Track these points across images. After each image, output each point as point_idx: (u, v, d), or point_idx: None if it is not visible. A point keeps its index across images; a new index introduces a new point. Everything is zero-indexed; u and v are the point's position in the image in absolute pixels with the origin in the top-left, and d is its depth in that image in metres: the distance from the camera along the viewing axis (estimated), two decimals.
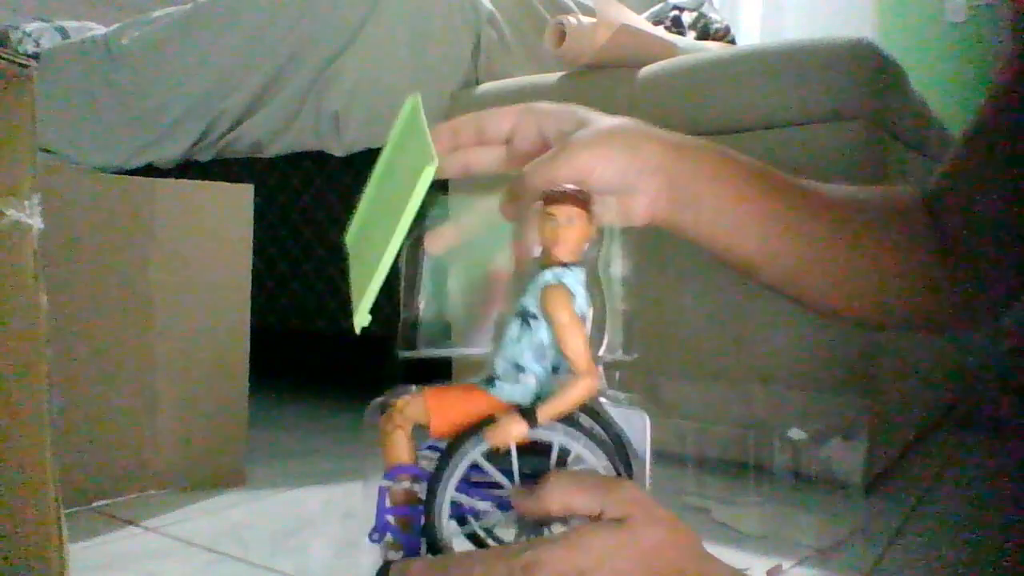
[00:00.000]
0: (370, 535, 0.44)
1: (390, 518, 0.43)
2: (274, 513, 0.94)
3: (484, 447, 0.41)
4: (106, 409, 0.96)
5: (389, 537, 0.44)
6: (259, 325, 1.10)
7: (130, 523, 0.89)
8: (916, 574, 0.79)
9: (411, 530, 0.44)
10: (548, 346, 0.41)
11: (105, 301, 0.95)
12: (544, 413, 0.39)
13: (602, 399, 0.43)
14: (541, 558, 0.36)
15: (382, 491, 0.44)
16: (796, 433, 1.00)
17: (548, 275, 0.41)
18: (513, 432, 0.39)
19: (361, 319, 0.41)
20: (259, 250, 1.08)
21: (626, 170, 0.47)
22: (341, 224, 1.56)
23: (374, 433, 0.45)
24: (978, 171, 0.53)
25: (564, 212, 0.41)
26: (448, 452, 0.42)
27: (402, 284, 0.48)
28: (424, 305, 0.48)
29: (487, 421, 0.40)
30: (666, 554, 0.37)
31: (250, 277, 1.06)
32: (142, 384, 0.99)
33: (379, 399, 0.45)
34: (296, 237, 1.55)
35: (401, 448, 0.44)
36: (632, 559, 0.36)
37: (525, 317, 0.42)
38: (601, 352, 0.43)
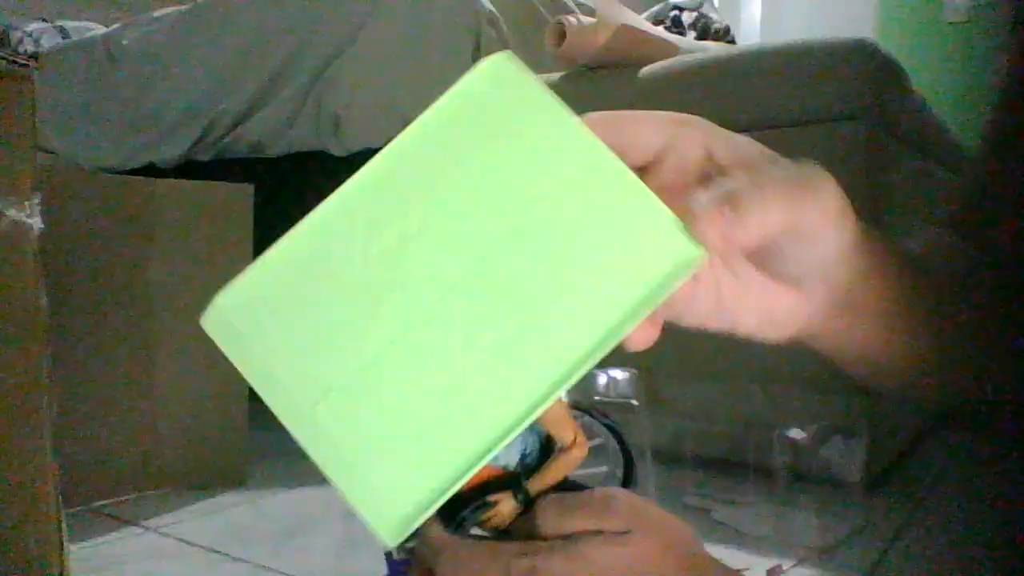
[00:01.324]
0: None
1: (403, 571, 0.44)
2: (274, 513, 0.94)
3: (478, 518, 0.41)
4: (106, 409, 0.96)
5: None
6: None
7: (130, 523, 0.89)
8: (916, 574, 0.79)
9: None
10: None
11: (105, 301, 0.95)
12: (534, 488, 0.39)
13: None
14: (539, 567, 0.35)
15: (387, 555, 0.44)
16: (796, 433, 1.00)
17: None
18: (507, 514, 0.40)
19: (396, 530, 0.27)
20: (259, 250, 1.08)
21: (825, 252, 0.33)
22: None
23: None
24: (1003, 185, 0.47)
25: None
26: (444, 523, 0.43)
27: None
28: None
29: (477, 493, 0.40)
30: (666, 562, 0.37)
31: None
32: (142, 384, 0.99)
33: None
34: None
35: None
36: (631, 571, 0.36)
37: None
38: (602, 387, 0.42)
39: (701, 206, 0.29)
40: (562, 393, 0.28)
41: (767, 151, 0.34)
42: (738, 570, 0.39)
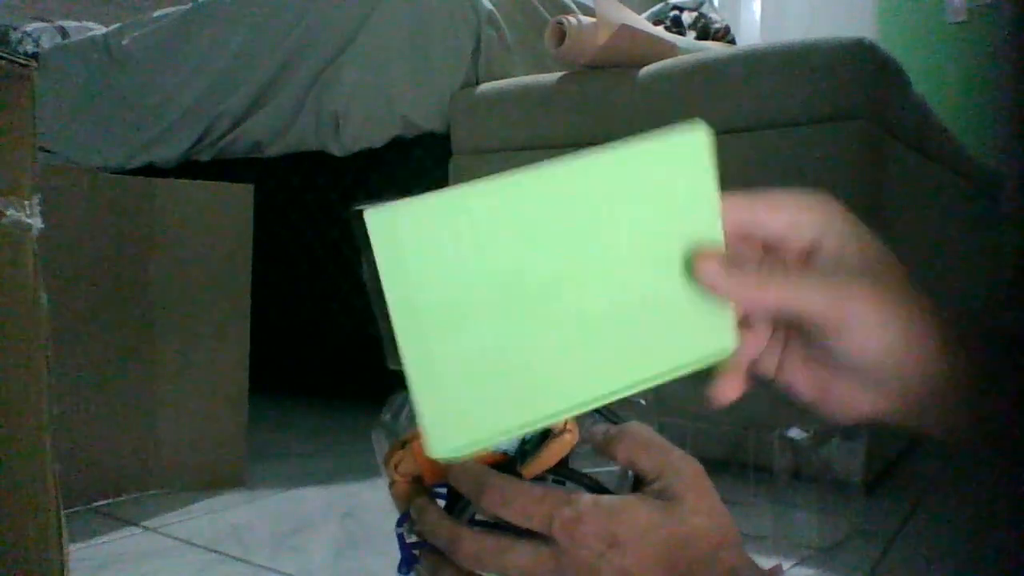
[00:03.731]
0: (398, 568, 0.46)
1: (415, 552, 0.45)
2: (274, 513, 0.94)
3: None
4: (106, 410, 0.96)
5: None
6: (259, 325, 1.10)
7: (130, 523, 0.89)
8: (916, 574, 0.79)
9: None
10: None
11: (105, 301, 0.95)
12: (529, 472, 0.41)
13: None
14: (583, 517, 0.36)
15: (398, 533, 0.45)
16: (796, 433, 1.00)
17: None
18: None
19: (449, 447, 0.32)
20: (259, 250, 1.08)
21: (893, 350, 0.35)
22: (341, 224, 1.56)
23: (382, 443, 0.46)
24: None
25: None
26: (448, 508, 0.43)
27: (372, 298, 0.45)
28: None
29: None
30: (700, 543, 0.37)
31: (250, 277, 1.06)
32: (142, 385, 0.99)
33: (380, 420, 0.46)
34: (296, 237, 1.55)
35: (405, 499, 0.45)
36: (667, 540, 0.37)
37: None
38: None
39: (739, 266, 0.35)
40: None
41: (875, 249, 0.37)
42: (769, 569, 0.40)
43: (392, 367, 0.44)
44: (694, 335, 0.35)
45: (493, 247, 0.32)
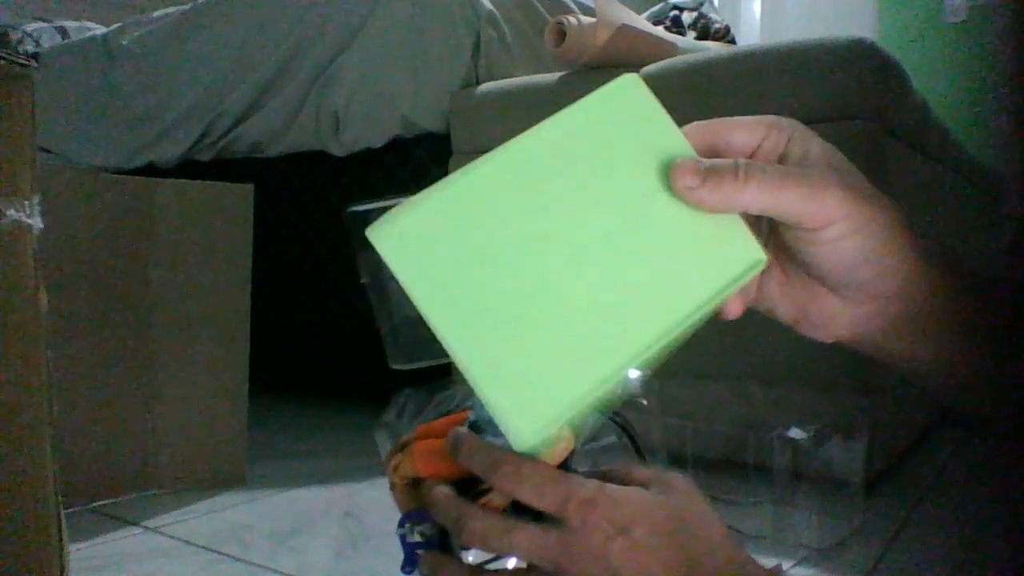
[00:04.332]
0: (402, 567, 0.46)
1: (419, 552, 0.45)
2: (274, 513, 0.94)
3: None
4: (106, 410, 0.96)
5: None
6: (259, 325, 1.10)
7: (130, 523, 0.89)
8: (916, 574, 0.79)
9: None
10: None
11: (105, 301, 0.95)
12: None
13: None
14: (597, 499, 0.37)
15: (400, 534, 0.45)
16: (796, 433, 1.00)
17: None
18: (505, 496, 0.41)
19: (538, 428, 0.32)
20: (259, 250, 1.08)
21: (869, 257, 0.35)
22: (341, 224, 1.56)
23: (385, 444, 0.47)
24: None
25: None
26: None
27: (373, 298, 0.44)
28: (405, 313, 0.45)
29: (475, 479, 0.41)
30: (701, 535, 0.39)
31: (250, 277, 1.06)
32: (142, 384, 0.99)
33: (382, 419, 0.47)
34: (296, 237, 1.55)
35: (405, 501, 0.45)
36: (673, 530, 0.38)
37: None
38: None
39: (717, 167, 0.35)
40: (661, 343, 0.34)
41: (839, 158, 0.38)
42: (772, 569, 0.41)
43: (394, 367, 0.44)
44: (722, 258, 0.36)
45: (500, 229, 0.33)
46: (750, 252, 0.36)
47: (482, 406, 0.38)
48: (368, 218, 0.35)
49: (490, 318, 0.33)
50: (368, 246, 0.34)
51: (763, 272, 0.38)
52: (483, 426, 0.42)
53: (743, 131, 0.39)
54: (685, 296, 0.35)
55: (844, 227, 0.35)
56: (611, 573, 0.36)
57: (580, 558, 0.37)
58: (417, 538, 0.45)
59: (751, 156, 0.39)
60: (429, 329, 0.34)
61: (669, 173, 0.35)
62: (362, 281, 0.40)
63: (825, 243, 0.35)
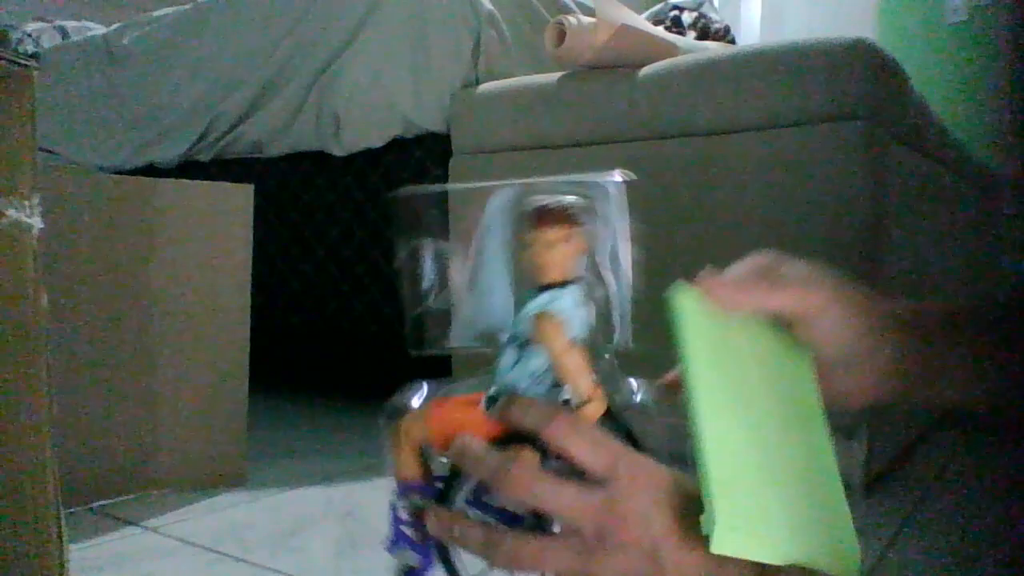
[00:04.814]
0: (385, 546, 0.45)
1: (405, 530, 0.44)
2: (274, 513, 0.94)
3: None
4: (106, 409, 0.96)
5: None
6: (259, 325, 1.10)
7: (130, 523, 0.89)
8: (916, 574, 0.79)
9: (426, 540, 0.44)
10: (546, 371, 0.41)
11: (105, 301, 0.95)
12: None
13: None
14: (646, 463, 0.38)
15: (394, 506, 0.44)
16: None
17: (541, 299, 0.41)
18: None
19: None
20: (259, 250, 1.08)
21: (862, 341, 0.44)
22: (341, 224, 1.55)
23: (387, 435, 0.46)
24: None
25: (556, 233, 0.40)
26: (453, 474, 0.42)
27: (404, 283, 0.45)
28: (431, 302, 0.45)
29: (498, 446, 0.40)
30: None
31: (250, 277, 1.06)
32: (142, 384, 0.99)
33: (390, 403, 0.45)
34: (296, 237, 1.55)
35: (409, 466, 0.44)
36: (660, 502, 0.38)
37: (520, 342, 0.42)
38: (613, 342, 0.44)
39: (724, 286, 0.45)
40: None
41: (834, 276, 0.46)
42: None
43: (410, 351, 0.44)
44: (804, 370, 0.45)
45: (737, 429, 0.40)
46: (804, 354, 0.45)
47: (500, 382, 0.41)
48: (412, 202, 0.38)
49: (733, 418, 0.40)
50: (407, 231, 0.38)
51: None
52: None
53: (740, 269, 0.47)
54: (820, 421, 0.45)
55: (831, 321, 0.43)
56: (651, 540, 0.36)
57: (624, 521, 0.36)
58: (408, 516, 0.44)
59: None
60: (447, 321, 0.42)
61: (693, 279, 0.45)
62: (395, 265, 0.41)
63: (817, 332, 0.44)
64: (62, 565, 0.55)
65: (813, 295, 0.44)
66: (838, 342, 0.44)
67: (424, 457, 0.44)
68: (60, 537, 0.55)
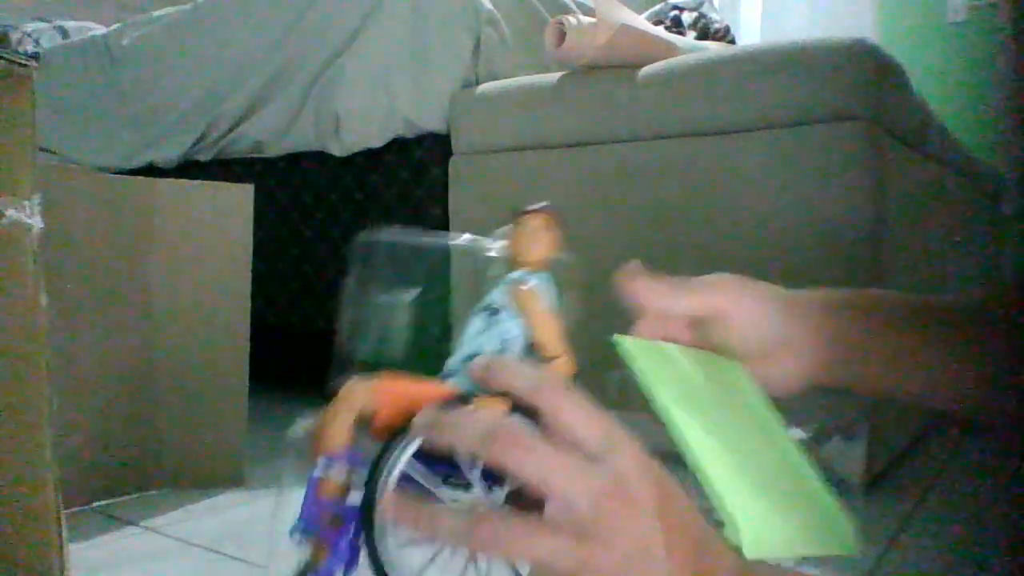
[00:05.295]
0: (291, 531, 0.38)
1: (322, 515, 0.38)
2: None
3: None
4: (106, 409, 0.96)
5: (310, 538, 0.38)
6: (259, 325, 1.10)
7: (130, 523, 0.89)
8: (916, 574, 0.79)
9: (339, 529, 0.38)
10: (514, 338, 0.43)
11: (105, 301, 0.95)
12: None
13: None
14: (638, 443, 0.37)
15: (313, 481, 0.38)
16: (796, 433, 0.99)
17: (516, 274, 0.44)
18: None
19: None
20: (259, 250, 1.08)
21: (778, 326, 0.47)
22: (341, 224, 1.56)
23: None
24: None
25: (534, 222, 0.45)
26: (394, 435, 0.38)
27: (344, 325, 0.43)
28: (364, 348, 0.43)
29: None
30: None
31: (250, 277, 1.06)
32: (142, 384, 0.99)
33: (329, 385, 0.41)
34: (296, 237, 1.55)
35: (341, 433, 0.39)
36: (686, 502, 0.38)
37: (492, 311, 0.44)
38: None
39: (658, 283, 0.47)
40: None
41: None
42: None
43: (325, 390, 0.41)
44: (749, 384, 0.47)
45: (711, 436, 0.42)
46: (740, 368, 0.47)
47: (469, 347, 0.42)
48: (372, 249, 0.39)
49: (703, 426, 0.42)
50: (361, 278, 0.40)
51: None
52: (451, 375, 0.41)
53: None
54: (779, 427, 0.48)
55: (748, 317, 0.46)
56: (651, 522, 0.34)
57: (627, 503, 0.33)
58: (319, 476, 0.38)
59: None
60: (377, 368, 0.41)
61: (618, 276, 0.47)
62: (342, 305, 0.40)
63: (736, 329, 0.46)
64: (62, 565, 0.55)
65: (720, 294, 0.47)
66: (752, 332, 0.46)
67: (359, 426, 0.39)
68: (60, 537, 0.55)
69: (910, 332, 0.47)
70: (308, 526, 0.38)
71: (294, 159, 1.54)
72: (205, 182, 1.08)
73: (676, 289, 0.47)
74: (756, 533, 0.37)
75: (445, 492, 0.38)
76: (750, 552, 0.36)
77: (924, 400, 0.49)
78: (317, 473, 0.38)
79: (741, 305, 0.47)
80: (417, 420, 0.36)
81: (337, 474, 0.38)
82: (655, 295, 0.47)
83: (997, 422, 0.50)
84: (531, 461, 0.33)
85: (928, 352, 0.47)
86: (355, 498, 0.38)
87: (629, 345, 0.45)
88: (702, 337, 0.49)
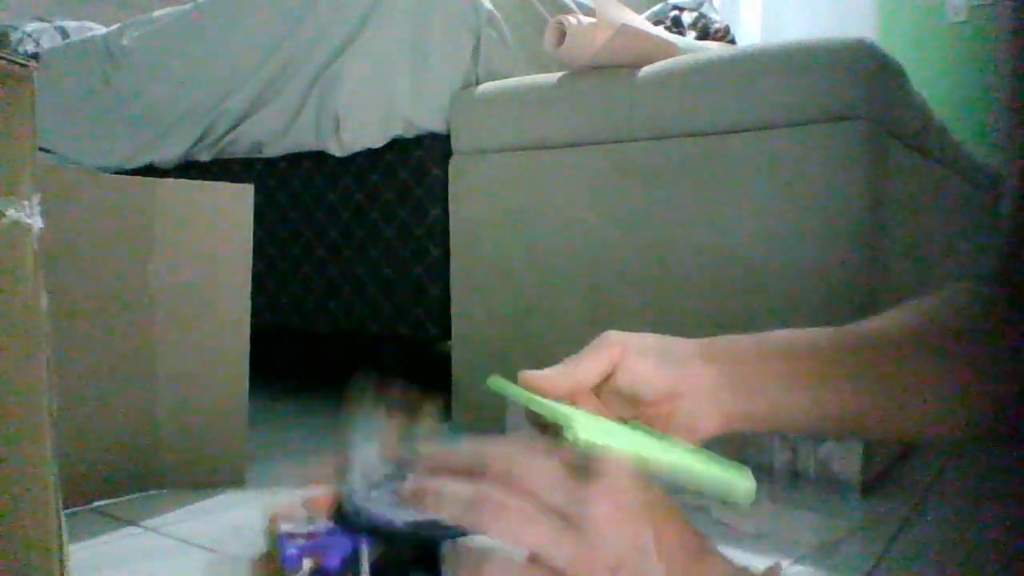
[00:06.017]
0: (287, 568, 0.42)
1: (298, 547, 0.42)
2: None
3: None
4: (106, 409, 0.96)
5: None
6: (259, 325, 1.10)
7: (130, 523, 0.89)
8: (916, 574, 0.79)
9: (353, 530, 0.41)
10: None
11: (105, 301, 0.95)
12: None
13: None
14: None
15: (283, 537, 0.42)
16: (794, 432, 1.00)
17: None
18: None
19: None
20: (259, 250, 1.08)
21: (667, 378, 0.48)
22: (341, 224, 1.56)
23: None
24: None
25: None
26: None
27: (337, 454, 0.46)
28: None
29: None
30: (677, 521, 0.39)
31: (250, 277, 1.06)
32: (142, 384, 0.99)
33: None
34: (296, 237, 1.55)
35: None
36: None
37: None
38: None
39: (541, 380, 0.47)
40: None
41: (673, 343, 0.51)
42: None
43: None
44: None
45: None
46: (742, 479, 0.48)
47: (355, 494, 0.42)
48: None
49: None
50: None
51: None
52: (350, 515, 0.40)
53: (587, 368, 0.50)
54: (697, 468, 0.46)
55: (630, 359, 0.48)
56: (643, 526, 0.36)
57: (616, 510, 0.36)
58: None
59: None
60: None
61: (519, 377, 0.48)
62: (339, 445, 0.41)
63: (628, 374, 0.48)
64: (62, 565, 0.55)
65: (606, 352, 0.48)
66: (642, 386, 0.47)
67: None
68: (60, 537, 0.55)
69: (820, 370, 0.49)
70: (295, 562, 0.41)
71: (294, 159, 1.54)
72: (205, 182, 1.08)
73: (570, 368, 0.48)
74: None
75: None
76: (581, 436, 0.39)
77: (864, 434, 0.51)
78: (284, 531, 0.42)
79: (627, 359, 0.48)
80: (403, 488, 0.39)
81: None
82: (549, 382, 0.47)
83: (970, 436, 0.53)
84: (510, 530, 0.36)
85: (845, 386, 0.48)
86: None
87: (501, 383, 0.47)
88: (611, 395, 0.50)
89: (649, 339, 0.49)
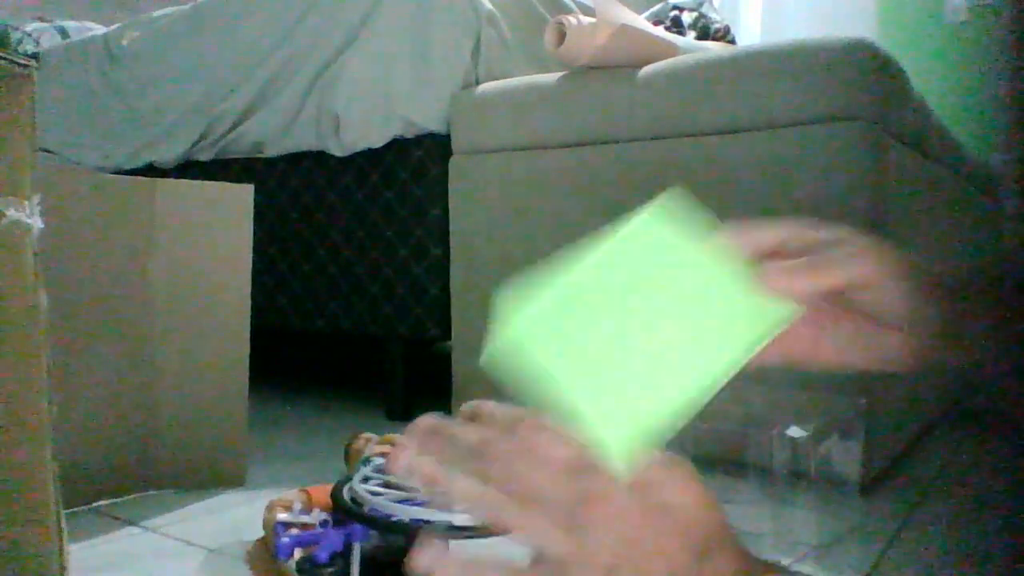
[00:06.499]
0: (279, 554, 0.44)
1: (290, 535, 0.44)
2: None
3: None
4: (106, 409, 0.96)
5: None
6: (259, 325, 1.10)
7: (130, 523, 0.89)
8: (916, 574, 0.79)
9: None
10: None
11: (105, 301, 0.95)
12: None
13: None
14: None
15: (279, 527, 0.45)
16: (795, 432, 1.00)
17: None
18: None
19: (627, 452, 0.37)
20: (259, 250, 1.08)
21: (909, 301, 0.45)
22: (341, 224, 1.56)
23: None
24: None
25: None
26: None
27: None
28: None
29: None
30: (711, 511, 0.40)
31: (250, 277, 1.06)
32: (142, 384, 0.99)
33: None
34: (296, 237, 1.55)
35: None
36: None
37: None
38: None
39: (777, 271, 0.45)
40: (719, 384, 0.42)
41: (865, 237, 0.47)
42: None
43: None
44: (763, 316, 0.44)
45: (590, 314, 0.42)
46: (784, 308, 0.44)
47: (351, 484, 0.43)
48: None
49: (589, 370, 0.40)
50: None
51: (825, 329, 0.47)
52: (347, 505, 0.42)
53: (765, 234, 0.50)
54: (737, 347, 0.43)
55: (891, 285, 0.44)
56: (637, 528, 0.36)
57: (608, 511, 0.36)
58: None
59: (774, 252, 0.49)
60: None
61: (753, 273, 0.45)
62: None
63: (878, 297, 0.44)
64: (62, 565, 0.55)
65: (861, 268, 0.44)
66: (890, 310, 0.44)
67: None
68: (60, 537, 0.55)
69: (977, 306, 0.46)
70: (289, 550, 0.44)
71: (294, 159, 1.54)
72: (205, 182, 1.08)
73: (816, 269, 0.45)
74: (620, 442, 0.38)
75: None
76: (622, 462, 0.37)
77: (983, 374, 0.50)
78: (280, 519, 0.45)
79: (882, 281, 0.44)
80: (421, 479, 0.40)
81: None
82: (793, 281, 0.44)
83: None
84: (514, 524, 0.37)
85: (989, 325, 0.46)
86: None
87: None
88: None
89: (898, 261, 0.45)
